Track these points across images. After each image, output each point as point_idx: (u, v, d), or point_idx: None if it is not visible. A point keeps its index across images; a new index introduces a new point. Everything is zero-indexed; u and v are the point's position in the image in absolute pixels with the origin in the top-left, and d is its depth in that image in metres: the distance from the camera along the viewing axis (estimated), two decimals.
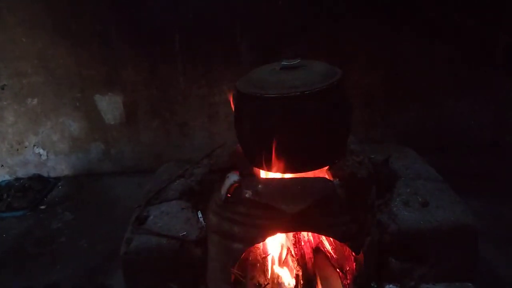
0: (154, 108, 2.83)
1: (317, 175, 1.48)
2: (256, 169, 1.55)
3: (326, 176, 1.49)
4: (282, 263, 1.56)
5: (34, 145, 2.90)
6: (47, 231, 2.36)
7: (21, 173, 2.95)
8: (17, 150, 2.90)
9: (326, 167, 1.51)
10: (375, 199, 1.56)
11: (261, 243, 1.51)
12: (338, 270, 1.56)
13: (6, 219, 2.52)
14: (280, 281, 1.53)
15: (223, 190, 1.41)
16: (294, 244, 1.61)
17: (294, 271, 1.54)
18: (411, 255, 1.49)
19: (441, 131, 2.89)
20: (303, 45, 2.63)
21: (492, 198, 2.29)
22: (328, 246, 1.63)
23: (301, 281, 1.51)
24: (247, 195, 1.37)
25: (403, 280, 1.50)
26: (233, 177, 1.43)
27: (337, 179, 1.43)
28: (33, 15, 2.59)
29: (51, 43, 2.65)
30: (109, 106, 2.82)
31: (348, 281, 1.51)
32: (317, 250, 1.66)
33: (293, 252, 1.58)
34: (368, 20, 2.63)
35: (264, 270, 1.57)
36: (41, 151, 2.92)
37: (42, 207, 2.64)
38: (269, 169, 1.46)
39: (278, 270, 1.55)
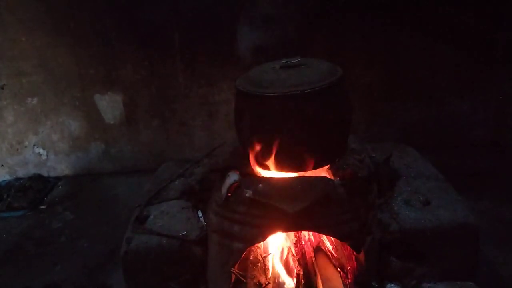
0: (154, 107, 2.83)
1: (317, 174, 1.48)
2: (256, 168, 1.54)
3: (327, 175, 1.49)
4: (283, 262, 1.55)
5: (34, 145, 2.90)
6: (47, 231, 2.36)
7: (21, 173, 2.95)
8: (17, 150, 2.90)
9: (327, 166, 1.51)
10: (376, 198, 1.56)
11: (262, 242, 1.51)
12: (339, 269, 1.55)
13: (6, 219, 2.52)
14: (280, 281, 1.52)
15: (224, 189, 1.41)
16: (294, 244, 1.61)
17: (295, 271, 1.53)
18: (412, 254, 1.48)
19: (441, 130, 2.89)
20: (304, 44, 2.63)
21: (492, 197, 2.28)
22: (329, 245, 1.63)
23: (302, 280, 1.51)
24: (247, 195, 1.36)
25: (404, 279, 1.50)
26: (233, 177, 1.42)
27: (338, 178, 1.43)
28: (32, 15, 2.59)
29: (51, 42, 2.65)
30: (109, 105, 2.82)
31: (349, 280, 1.51)
32: (318, 249, 1.65)
33: (293, 252, 1.58)
34: (368, 19, 2.63)
35: (264, 270, 1.57)
36: (41, 150, 2.92)
37: (42, 206, 2.63)
38: (269, 168, 1.45)
39: (278, 269, 1.54)
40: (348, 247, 1.44)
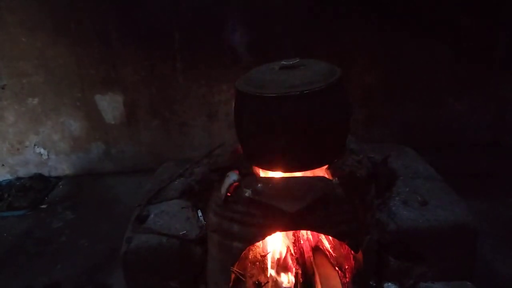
0: (154, 107, 2.84)
1: (316, 174, 1.49)
2: (255, 168, 1.55)
3: (325, 175, 1.50)
4: (282, 261, 1.56)
5: (35, 145, 2.91)
6: (48, 231, 2.37)
7: (22, 172, 2.96)
8: (18, 149, 2.91)
9: (325, 166, 1.51)
10: (374, 198, 1.57)
11: (261, 242, 1.52)
12: (337, 268, 1.56)
13: (7, 218, 2.53)
14: (279, 280, 1.53)
15: (223, 189, 1.42)
16: (293, 243, 1.62)
17: (294, 270, 1.54)
18: (410, 254, 1.49)
19: (440, 130, 2.89)
20: (303, 44, 2.64)
21: (491, 198, 2.29)
22: (327, 245, 1.64)
23: (300, 279, 1.52)
24: (246, 194, 1.37)
25: (402, 279, 1.51)
26: (233, 176, 1.43)
27: (336, 178, 1.43)
28: (33, 15, 2.59)
29: (51, 42, 2.66)
30: (110, 105, 2.83)
31: (347, 279, 1.51)
32: (316, 248, 1.66)
33: (292, 251, 1.59)
34: (368, 20, 2.63)
35: (263, 269, 1.58)
36: (42, 150, 2.93)
37: (43, 206, 2.64)
38: (268, 168, 1.46)
39: (277, 268, 1.55)
40: (347, 246, 1.44)
